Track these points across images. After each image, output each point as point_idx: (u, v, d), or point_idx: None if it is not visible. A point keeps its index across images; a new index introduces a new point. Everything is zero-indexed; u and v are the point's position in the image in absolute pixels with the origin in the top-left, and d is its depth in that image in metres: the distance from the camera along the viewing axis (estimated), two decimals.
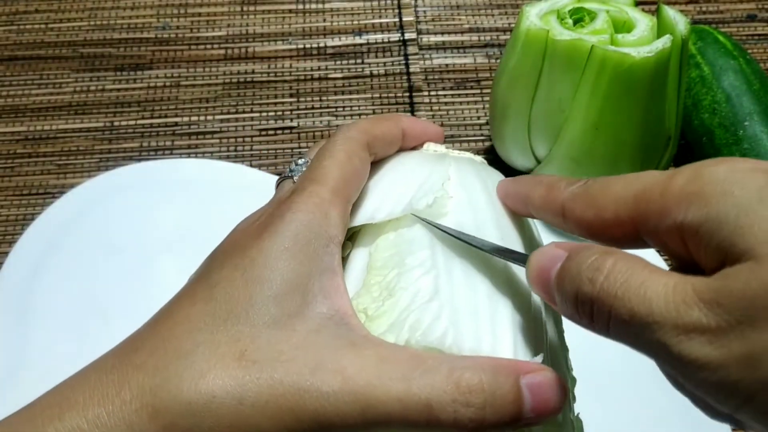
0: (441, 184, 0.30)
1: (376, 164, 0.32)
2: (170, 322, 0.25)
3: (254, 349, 0.24)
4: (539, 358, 0.26)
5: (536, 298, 0.29)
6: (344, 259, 0.29)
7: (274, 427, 0.23)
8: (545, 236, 0.33)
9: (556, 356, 0.29)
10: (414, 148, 0.34)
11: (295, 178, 0.31)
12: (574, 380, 0.30)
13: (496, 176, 0.33)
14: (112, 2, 0.64)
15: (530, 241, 0.31)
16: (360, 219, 0.29)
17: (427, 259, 0.28)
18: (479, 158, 0.35)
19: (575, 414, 0.29)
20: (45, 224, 0.49)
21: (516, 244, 0.29)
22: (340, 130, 0.30)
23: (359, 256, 0.29)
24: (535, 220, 0.33)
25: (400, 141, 0.33)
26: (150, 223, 0.49)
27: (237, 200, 0.38)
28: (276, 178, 0.33)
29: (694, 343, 0.20)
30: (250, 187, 0.37)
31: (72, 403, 0.24)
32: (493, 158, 0.54)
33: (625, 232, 0.24)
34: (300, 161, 0.32)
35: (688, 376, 0.21)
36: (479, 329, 0.26)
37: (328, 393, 0.23)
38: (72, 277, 0.47)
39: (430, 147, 0.34)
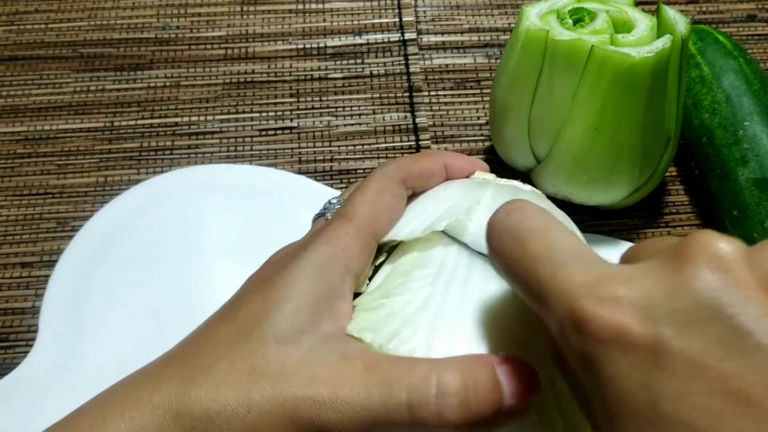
0: (467, 208, 0.31)
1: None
2: (199, 340, 0.29)
3: (264, 363, 0.27)
4: None
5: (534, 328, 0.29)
6: (376, 269, 0.31)
7: None
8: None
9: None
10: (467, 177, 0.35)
11: (327, 215, 0.34)
12: None
13: (542, 204, 0.33)
14: (112, 2, 0.64)
15: None
16: (387, 236, 0.31)
17: (431, 275, 0.29)
18: (529, 187, 0.35)
19: None
20: (103, 220, 0.49)
21: None
22: (380, 166, 0.33)
23: (385, 270, 0.31)
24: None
25: (442, 175, 0.35)
26: (208, 227, 0.49)
27: (298, 212, 0.39)
28: (333, 191, 0.39)
29: None
30: (312, 201, 0.37)
31: (112, 406, 0.27)
32: (493, 158, 0.54)
33: None
34: (333, 200, 0.35)
35: None
36: (451, 351, 0.27)
37: (320, 402, 0.26)
38: (127, 275, 0.47)
39: (480, 175, 0.35)
